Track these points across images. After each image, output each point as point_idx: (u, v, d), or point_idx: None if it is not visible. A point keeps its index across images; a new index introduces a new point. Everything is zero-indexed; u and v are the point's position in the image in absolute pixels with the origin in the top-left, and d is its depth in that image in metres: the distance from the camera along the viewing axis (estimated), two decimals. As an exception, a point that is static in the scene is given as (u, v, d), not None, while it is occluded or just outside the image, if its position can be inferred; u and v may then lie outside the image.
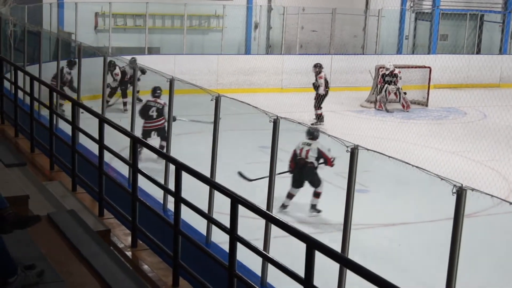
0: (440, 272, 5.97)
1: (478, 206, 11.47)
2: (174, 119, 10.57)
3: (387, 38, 29.24)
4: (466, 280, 6.84)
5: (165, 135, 12.04)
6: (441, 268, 5.93)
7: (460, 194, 5.40)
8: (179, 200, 6.42)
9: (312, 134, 11.79)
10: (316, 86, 19.93)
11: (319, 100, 19.92)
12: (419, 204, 12.59)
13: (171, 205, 8.43)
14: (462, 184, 5.43)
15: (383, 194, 13.34)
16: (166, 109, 13.28)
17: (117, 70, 19.14)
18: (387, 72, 22.78)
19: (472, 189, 5.47)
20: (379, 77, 22.99)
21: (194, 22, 26.07)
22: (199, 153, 10.09)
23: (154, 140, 14.21)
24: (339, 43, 27.70)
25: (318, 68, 19.96)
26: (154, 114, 14.67)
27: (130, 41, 24.50)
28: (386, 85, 22.74)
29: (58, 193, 8.11)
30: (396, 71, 22.89)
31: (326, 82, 20.19)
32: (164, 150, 10.41)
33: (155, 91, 14.97)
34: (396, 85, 22.70)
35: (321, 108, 19.88)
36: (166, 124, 11.84)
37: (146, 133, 14.56)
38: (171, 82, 9.53)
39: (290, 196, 12.26)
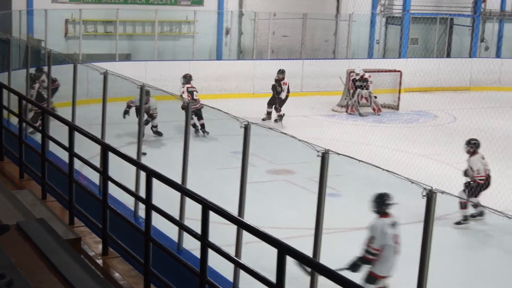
0: (412, 274, 6.00)
1: (449, 208, 11.64)
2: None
3: (358, 42, 29.35)
4: (437, 280, 6.87)
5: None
6: (413, 271, 5.96)
7: (430, 197, 5.42)
8: (150, 207, 6.39)
9: None
10: (278, 92, 20.64)
11: (280, 104, 20.69)
12: (395, 207, 12.62)
13: (142, 212, 8.40)
14: (432, 187, 5.45)
15: (354, 198, 13.36)
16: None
17: (44, 77, 18.13)
18: (357, 77, 22.87)
19: (442, 192, 5.49)
20: (350, 82, 23.06)
21: (165, 28, 26.00)
22: (171, 160, 10.04)
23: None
24: (310, 48, 27.77)
25: (282, 74, 20.69)
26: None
27: (100, 48, 24.37)
28: (357, 89, 22.82)
29: (28, 201, 8.03)
30: (366, 75, 22.97)
31: (288, 88, 20.86)
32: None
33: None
34: (367, 89, 22.78)
35: (280, 110, 20.71)
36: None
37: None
38: (142, 88, 9.49)
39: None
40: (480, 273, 10.37)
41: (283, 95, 20.56)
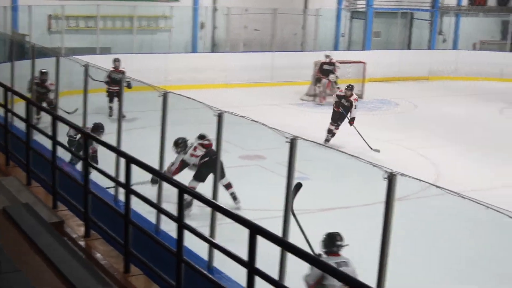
0: (375, 253, 6.02)
1: (408, 190, 11.71)
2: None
3: (324, 35, 29.42)
4: (399, 259, 6.91)
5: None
6: (377, 249, 5.99)
7: (391, 179, 5.45)
8: (129, 192, 6.37)
9: None
10: (345, 107, 17.14)
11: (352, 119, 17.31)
12: (355, 189, 12.70)
13: (122, 196, 8.37)
14: (392, 170, 5.48)
15: (321, 181, 13.43)
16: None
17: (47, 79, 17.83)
18: (326, 60, 22.81)
19: (402, 174, 5.52)
20: (317, 67, 23.02)
21: (143, 23, 25.86)
22: (149, 147, 10.00)
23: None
24: (280, 41, 27.78)
25: (351, 91, 17.30)
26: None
27: (82, 42, 24.19)
28: (322, 80, 22.78)
29: (13, 187, 7.98)
30: (334, 60, 22.96)
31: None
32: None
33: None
34: (334, 74, 22.67)
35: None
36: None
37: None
38: (121, 79, 9.45)
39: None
40: (439, 252, 10.46)
41: (354, 113, 16.93)
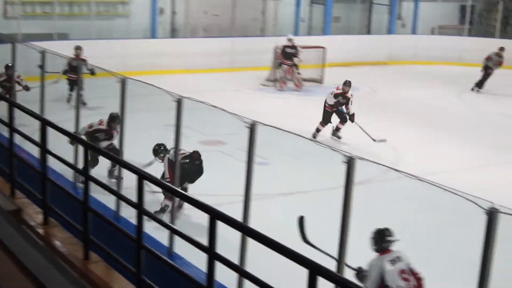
0: (336, 236, 6.08)
1: (369, 174, 11.81)
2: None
3: (284, 20, 29.41)
4: (359, 242, 6.98)
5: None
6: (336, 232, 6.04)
7: (350, 163, 5.50)
8: (88, 178, 6.33)
9: None
10: (342, 104, 16.21)
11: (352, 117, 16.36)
12: (315, 174, 12.76)
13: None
14: (351, 154, 5.53)
15: (282, 166, 13.48)
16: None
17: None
18: (289, 44, 22.75)
19: (361, 158, 5.58)
20: (280, 51, 22.94)
21: (101, 9, 25.56)
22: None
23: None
24: (240, 26, 27.68)
25: (349, 87, 16.35)
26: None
27: (39, 28, 23.82)
28: (282, 65, 22.72)
29: (-30, 175, 7.89)
30: (296, 43, 22.92)
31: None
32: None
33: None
34: (297, 57, 22.63)
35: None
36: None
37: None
38: (79, 66, 9.36)
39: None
40: (397, 234, 10.56)
41: (351, 109, 16.11)
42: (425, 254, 9.93)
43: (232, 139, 12.96)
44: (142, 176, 5.56)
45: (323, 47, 24.80)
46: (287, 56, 22.62)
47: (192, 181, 10.25)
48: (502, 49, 23.51)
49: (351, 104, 15.97)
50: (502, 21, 31.11)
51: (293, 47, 22.65)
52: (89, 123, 11.58)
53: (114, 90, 8.90)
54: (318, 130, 16.09)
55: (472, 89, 23.62)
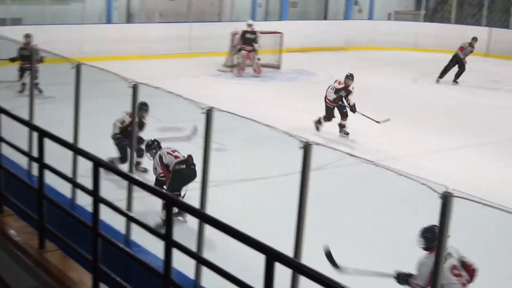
0: (293, 222, 6.11)
1: (326, 159, 11.89)
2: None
3: (241, 5, 29.35)
4: (316, 227, 7.03)
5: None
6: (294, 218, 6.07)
7: (306, 148, 5.52)
8: (43, 166, 6.27)
9: None
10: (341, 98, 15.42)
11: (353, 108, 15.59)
12: (273, 159, 12.80)
13: (36, 171, 8.23)
14: (307, 139, 5.55)
15: (239, 152, 13.49)
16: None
17: None
18: (249, 29, 22.64)
19: (317, 144, 5.60)
20: (239, 36, 22.83)
21: (55, -7, 25.24)
22: (63, 120, 9.83)
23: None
24: (197, 11, 27.56)
25: (351, 80, 15.51)
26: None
27: (-8, 13, 23.46)
28: (241, 51, 22.63)
29: None
30: (256, 29, 22.83)
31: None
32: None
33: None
34: (257, 42, 22.54)
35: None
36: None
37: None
38: (32, 51, 9.24)
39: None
40: (354, 218, 10.67)
41: (351, 100, 15.34)
42: (381, 238, 10.05)
43: (190, 125, 12.91)
44: (98, 163, 5.52)
45: (280, 33, 24.81)
46: (246, 41, 22.52)
47: (186, 185, 9.91)
48: (475, 39, 23.01)
49: (351, 95, 15.27)
50: (457, 7, 31.44)
51: (253, 32, 22.57)
52: (117, 119, 11.65)
53: (68, 76, 8.80)
54: (319, 122, 15.51)
55: (453, 82, 22.73)
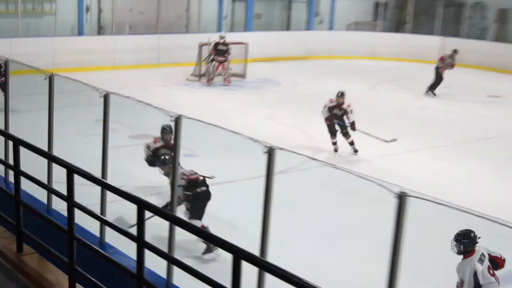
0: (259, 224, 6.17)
1: (290, 164, 12.00)
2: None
3: (208, 18, 29.38)
4: (282, 229, 7.11)
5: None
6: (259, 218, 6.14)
7: (270, 153, 5.59)
8: (19, 173, 6.27)
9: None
10: (338, 117, 14.75)
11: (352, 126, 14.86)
12: (239, 164, 12.86)
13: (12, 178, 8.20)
14: (271, 145, 5.62)
15: (208, 157, 13.53)
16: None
17: None
18: (222, 41, 22.70)
19: (280, 149, 5.66)
20: (212, 47, 22.85)
21: (28, 6, 25.03)
22: (39, 129, 9.80)
23: None
24: (165, 23, 27.56)
25: (342, 98, 14.72)
26: None
27: (-34, 26, 23.23)
28: (213, 62, 22.64)
29: None
30: (228, 41, 22.91)
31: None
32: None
33: None
34: (229, 54, 22.61)
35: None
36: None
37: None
38: (6, 63, 9.19)
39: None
40: (317, 220, 10.77)
41: (353, 117, 14.61)
42: (342, 238, 10.17)
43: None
44: (72, 170, 5.54)
45: (245, 43, 24.93)
46: (218, 52, 22.62)
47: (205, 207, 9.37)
48: (455, 51, 22.45)
49: (351, 113, 14.51)
50: (412, 17, 31.81)
51: (225, 44, 22.69)
52: (146, 143, 11.09)
53: (42, 87, 8.78)
54: (333, 143, 14.88)
55: (427, 92, 22.40)
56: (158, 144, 10.72)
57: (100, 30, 26.98)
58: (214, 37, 23.31)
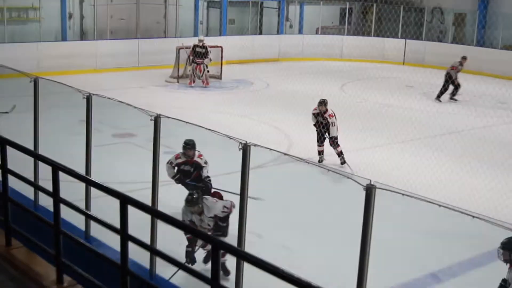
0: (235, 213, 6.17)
1: (264, 159, 11.99)
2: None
3: (184, 23, 29.30)
4: (257, 221, 7.10)
5: None
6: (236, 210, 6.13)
7: (245, 149, 5.58)
8: (6, 171, 6.18)
9: None
10: (324, 126, 13.48)
11: (334, 141, 13.52)
12: (216, 160, 12.81)
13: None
14: (246, 141, 5.61)
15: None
16: None
17: None
18: (200, 44, 22.63)
19: (255, 145, 5.66)
20: (191, 49, 22.81)
21: (13, 14, 24.79)
22: (26, 130, 9.69)
23: None
24: (144, 29, 27.45)
25: (325, 106, 13.51)
26: None
27: (-46, 33, 22.94)
28: (193, 63, 22.58)
29: None
30: (206, 43, 22.85)
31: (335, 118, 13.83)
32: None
33: None
34: (207, 57, 22.56)
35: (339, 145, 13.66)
36: None
37: None
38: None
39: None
40: (289, 211, 10.76)
41: (334, 132, 13.38)
42: (315, 229, 10.18)
43: (142, 131, 12.87)
44: (57, 167, 5.48)
45: (220, 47, 24.86)
46: (197, 54, 22.58)
47: None
48: (464, 58, 21.70)
49: (332, 126, 13.29)
50: (376, 21, 31.96)
51: (203, 47, 22.64)
52: (168, 160, 10.16)
53: (28, 90, 8.69)
54: (318, 152, 13.68)
55: (450, 99, 21.54)
56: (180, 160, 10.23)
57: (83, 35, 26.81)
58: (189, 42, 23.27)
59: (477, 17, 29.19)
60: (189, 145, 9.51)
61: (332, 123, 13.26)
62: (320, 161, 13.38)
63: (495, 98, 21.84)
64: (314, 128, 13.72)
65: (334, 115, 13.42)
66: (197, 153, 9.96)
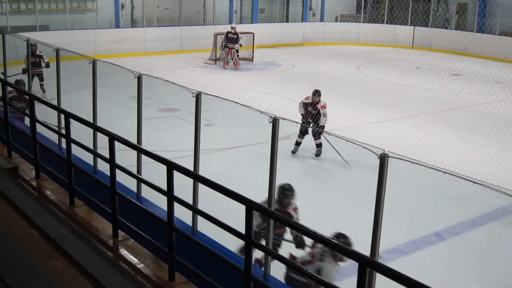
0: (265, 178, 6.13)
1: (291, 131, 11.93)
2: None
3: (221, 12, 29.17)
4: (284, 180, 7.07)
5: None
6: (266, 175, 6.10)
7: (275, 122, 5.53)
8: (70, 141, 6.22)
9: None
10: (312, 116, 11.67)
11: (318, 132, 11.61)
12: (249, 132, 12.81)
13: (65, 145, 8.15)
14: (275, 115, 5.56)
15: (224, 126, 13.49)
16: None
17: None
18: (232, 31, 22.57)
19: (283, 119, 5.60)
20: (224, 35, 22.75)
21: (74, 5, 24.85)
22: (84, 104, 9.74)
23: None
24: (186, 17, 27.38)
25: (319, 96, 11.82)
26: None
27: (24, 21, 23.06)
28: (226, 48, 22.52)
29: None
30: (238, 30, 22.78)
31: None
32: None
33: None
34: (238, 42, 22.49)
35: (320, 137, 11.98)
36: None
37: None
38: (57, 51, 9.11)
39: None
40: (316, 175, 10.73)
41: (323, 121, 11.74)
42: (337, 191, 10.14)
43: (185, 106, 12.87)
44: (112, 137, 5.50)
45: (252, 33, 24.72)
46: (229, 40, 22.51)
47: None
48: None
49: (324, 116, 11.75)
50: (388, 11, 31.45)
51: (235, 33, 22.55)
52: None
53: (87, 70, 8.71)
54: (296, 143, 12.00)
55: None
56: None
57: (133, 23, 26.82)
58: (225, 29, 23.21)
59: (478, 6, 28.55)
60: (290, 191, 7.57)
61: (324, 114, 11.70)
62: (294, 152, 11.93)
63: (494, 79, 21.43)
64: (303, 122, 11.85)
65: (325, 106, 11.84)
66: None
